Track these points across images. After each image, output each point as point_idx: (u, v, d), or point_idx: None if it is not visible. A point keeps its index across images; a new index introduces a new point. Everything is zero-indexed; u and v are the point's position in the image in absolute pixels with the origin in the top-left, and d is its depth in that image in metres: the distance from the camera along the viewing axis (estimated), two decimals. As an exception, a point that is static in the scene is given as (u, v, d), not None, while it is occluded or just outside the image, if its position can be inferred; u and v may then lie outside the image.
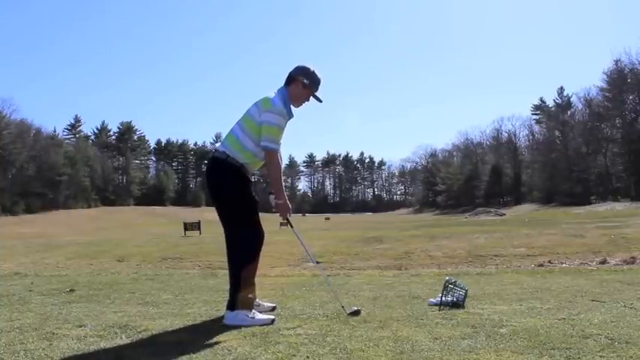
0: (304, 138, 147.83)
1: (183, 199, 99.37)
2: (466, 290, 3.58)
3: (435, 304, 3.50)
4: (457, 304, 3.45)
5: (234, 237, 3.24)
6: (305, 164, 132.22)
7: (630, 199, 52.21)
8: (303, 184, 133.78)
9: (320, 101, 3.43)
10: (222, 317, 3.20)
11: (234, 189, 3.27)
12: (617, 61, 64.36)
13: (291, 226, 3.48)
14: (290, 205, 3.39)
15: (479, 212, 49.70)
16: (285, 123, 3.31)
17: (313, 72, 3.38)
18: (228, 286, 3.24)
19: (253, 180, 3.49)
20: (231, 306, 3.15)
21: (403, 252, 11.52)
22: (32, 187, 67.51)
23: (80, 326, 3.12)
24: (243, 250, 3.21)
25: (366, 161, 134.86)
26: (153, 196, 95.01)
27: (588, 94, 70.18)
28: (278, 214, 3.38)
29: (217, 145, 3.90)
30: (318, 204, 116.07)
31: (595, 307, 3.39)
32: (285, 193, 3.36)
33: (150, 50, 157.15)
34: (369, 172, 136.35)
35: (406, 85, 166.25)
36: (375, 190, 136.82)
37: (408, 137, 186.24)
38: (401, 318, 3.17)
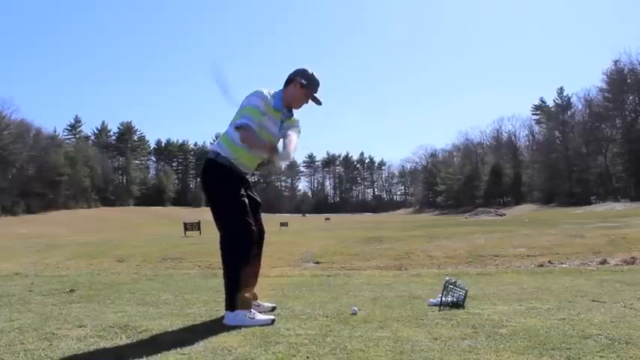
0: (304, 138, 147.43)
1: (183, 199, 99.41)
2: (466, 290, 3.57)
3: (435, 305, 3.50)
4: (457, 305, 3.45)
5: (223, 238, 3.21)
6: (305, 164, 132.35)
7: (630, 199, 52.30)
8: (303, 185, 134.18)
9: (319, 103, 3.41)
10: (222, 317, 3.20)
11: (222, 189, 3.24)
12: (616, 62, 64.58)
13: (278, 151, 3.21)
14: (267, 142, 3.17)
15: (479, 212, 49.69)
16: (266, 108, 3.20)
17: (312, 74, 3.36)
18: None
19: (253, 180, 3.47)
20: (231, 306, 3.15)
21: (403, 252, 11.50)
22: (32, 187, 67.42)
23: (80, 326, 3.11)
24: (232, 251, 3.17)
25: (366, 161, 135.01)
26: (153, 197, 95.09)
27: (588, 94, 70.43)
28: (279, 161, 3.25)
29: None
30: (318, 204, 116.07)
31: (595, 308, 3.38)
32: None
33: (150, 50, 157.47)
34: (369, 172, 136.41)
35: (406, 85, 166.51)
36: (375, 190, 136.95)
37: (408, 137, 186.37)
38: (401, 318, 3.16)
